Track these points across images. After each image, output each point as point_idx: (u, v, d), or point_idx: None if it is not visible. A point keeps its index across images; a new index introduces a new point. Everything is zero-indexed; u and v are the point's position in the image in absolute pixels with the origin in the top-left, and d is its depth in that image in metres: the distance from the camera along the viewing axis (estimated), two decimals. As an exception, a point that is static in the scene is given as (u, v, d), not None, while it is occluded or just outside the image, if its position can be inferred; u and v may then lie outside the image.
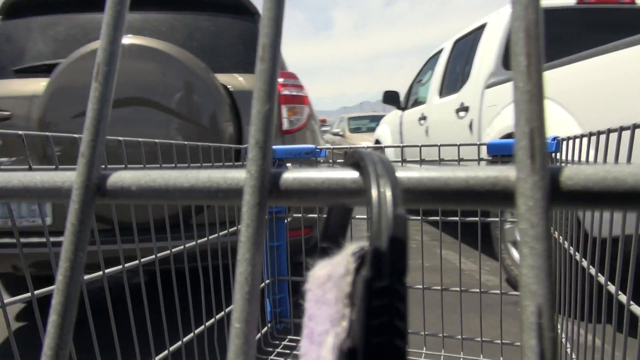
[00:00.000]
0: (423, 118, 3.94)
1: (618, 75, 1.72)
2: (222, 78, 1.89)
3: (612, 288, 0.67)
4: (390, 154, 4.64)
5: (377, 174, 0.15)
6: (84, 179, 0.20)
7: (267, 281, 1.31)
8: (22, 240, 1.44)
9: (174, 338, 0.87)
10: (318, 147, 1.19)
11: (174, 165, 0.86)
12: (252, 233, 0.16)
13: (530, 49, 0.14)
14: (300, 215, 1.31)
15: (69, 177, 0.21)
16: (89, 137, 0.21)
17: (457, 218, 1.19)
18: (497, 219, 1.64)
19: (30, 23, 2.00)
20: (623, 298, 0.62)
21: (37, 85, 1.79)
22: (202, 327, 0.99)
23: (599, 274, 0.73)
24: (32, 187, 0.22)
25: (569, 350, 0.89)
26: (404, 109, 4.70)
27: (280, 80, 1.96)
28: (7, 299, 0.57)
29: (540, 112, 0.14)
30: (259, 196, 0.17)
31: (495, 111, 2.62)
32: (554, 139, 0.98)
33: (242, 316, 0.15)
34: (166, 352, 0.86)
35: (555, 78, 2.03)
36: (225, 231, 1.06)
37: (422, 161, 1.08)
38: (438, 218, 1.15)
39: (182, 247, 0.92)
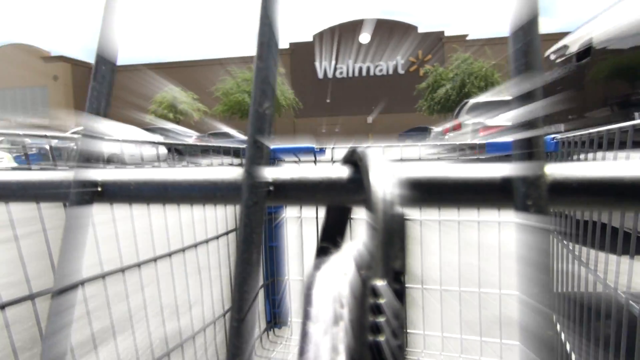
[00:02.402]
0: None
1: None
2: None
3: (611, 287, 0.67)
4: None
5: (376, 174, 0.15)
6: (82, 179, 0.20)
7: (266, 282, 1.31)
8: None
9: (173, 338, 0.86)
10: (318, 146, 1.19)
11: (173, 165, 0.86)
12: (250, 233, 0.16)
13: (528, 48, 0.14)
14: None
15: (66, 178, 0.21)
16: (87, 136, 0.20)
17: (456, 218, 1.19)
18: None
19: None
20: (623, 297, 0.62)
21: None
22: (202, 326, 0.99)
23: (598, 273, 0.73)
24: (29, 187, 0.22)
25: (568, 348, 0.89)
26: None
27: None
28: (6, 300, 0.57)
29: (538, 111, 0.14)
30: (256, 196, 0.16)
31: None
32: (553, 138, 0.98)
33: (239, 316, 0.15)
34: (166, 351, 0.86)
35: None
36: (224, 232, 1.06)
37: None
38: (437, 218, 1.15)
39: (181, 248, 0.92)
